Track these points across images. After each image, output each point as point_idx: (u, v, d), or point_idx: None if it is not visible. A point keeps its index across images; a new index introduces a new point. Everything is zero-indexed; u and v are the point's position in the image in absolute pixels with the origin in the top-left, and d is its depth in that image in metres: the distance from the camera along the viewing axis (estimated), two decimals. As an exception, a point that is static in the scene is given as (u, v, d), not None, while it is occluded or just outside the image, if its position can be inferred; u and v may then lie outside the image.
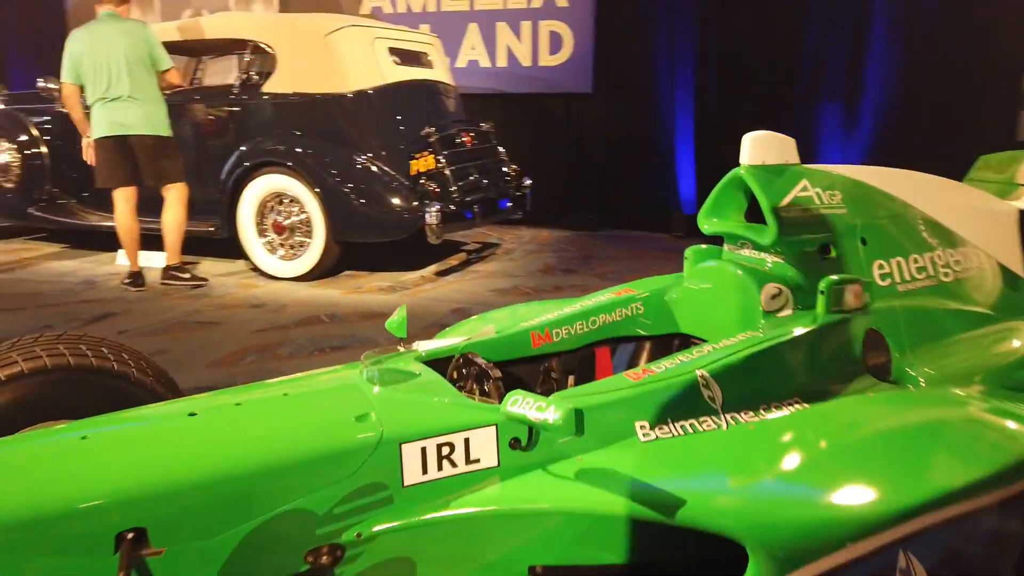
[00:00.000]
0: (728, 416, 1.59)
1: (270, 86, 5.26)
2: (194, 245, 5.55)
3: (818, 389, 1.72)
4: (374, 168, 5.08)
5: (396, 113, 5.25)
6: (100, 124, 4.63)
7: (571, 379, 2.10)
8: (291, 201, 5.15)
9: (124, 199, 4.83)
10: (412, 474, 1.39)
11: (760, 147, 1.93)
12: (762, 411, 1.62)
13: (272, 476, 1.29)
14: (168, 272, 4.98)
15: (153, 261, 5.24)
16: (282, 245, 5.26)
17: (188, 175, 5.50)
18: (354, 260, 5.52)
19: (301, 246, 5.21)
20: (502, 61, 7.73)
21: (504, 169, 6.01)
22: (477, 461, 1.43)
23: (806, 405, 1.67)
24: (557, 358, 2.03)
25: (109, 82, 4.57)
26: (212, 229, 5.42)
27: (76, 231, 6.18)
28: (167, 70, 4.80)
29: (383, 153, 5.12)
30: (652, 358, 2.17)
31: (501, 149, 6.05)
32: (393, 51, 5.54)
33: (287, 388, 1.55)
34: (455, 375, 1.75)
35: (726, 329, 1.95)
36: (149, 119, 4.69)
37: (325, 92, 5.14)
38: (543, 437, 1.48)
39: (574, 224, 7.52)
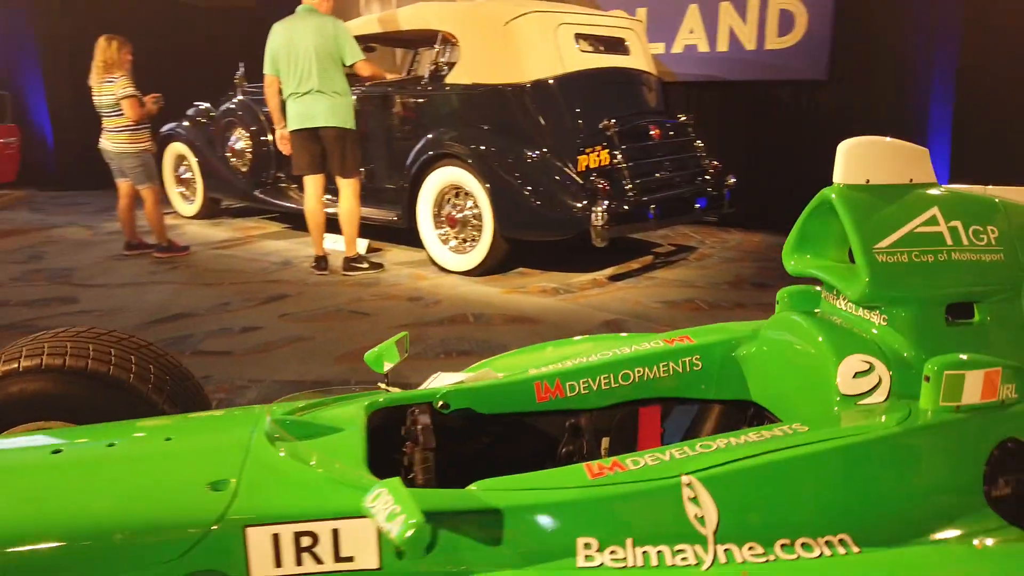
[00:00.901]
0: (722, 549, 1.11)
1: (453, 77, 5.21)
2: (388, 232, 5.73)
3: (890, 525, 1.16)
4: (544, 163, 4.81)
5: (574, 104, 4.93)
6: (291, 118, 4.89)
7: (605, 441, 1.68)
8: (466, 194, 5.06)
9: (312, 185, 5.08)
10: (262, 567, 1.12)
11: (864, 159, 1.37)
12: (780, 550, 1.11)
13: (93, 542, 1.10)
14: (348, 263, 5.16)
15: (356, 246, 5.47)
16: (455, 238, 5.21)
17: (378, 164, 5.71)
18: (532, 257, 5.33)
19: (472, 240, 5.11)
20: (722, 45, 7.02)
21: (701, 165, 5.42)
22: (350, 559, 1.12)
23: (858, 549, 1.12)
24: (588, 414, 1.63)
25: (300, 76, 4.79)
26: (395, 218, 5.53)
27: (295, 213, 6.70)
28: (354, 64, 4.92)
29: (555, 146, 4.83)
30: (719, 430, 1.67)
31: (699, 143, 5.46)
32: (581, 37, 5.21)
33: (174, 431, 1.35)
34: (404, 434, 1.45)
35: (795, 409, 1.42)
36: (334, 112, 4.85)
37: (503, 83, 4.97)
38: (443, 541, 1.13)
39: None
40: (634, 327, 4.13)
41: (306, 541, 1.13)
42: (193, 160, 6.99)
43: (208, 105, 7.10)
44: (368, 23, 5.73)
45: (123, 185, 5.63)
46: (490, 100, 5.05)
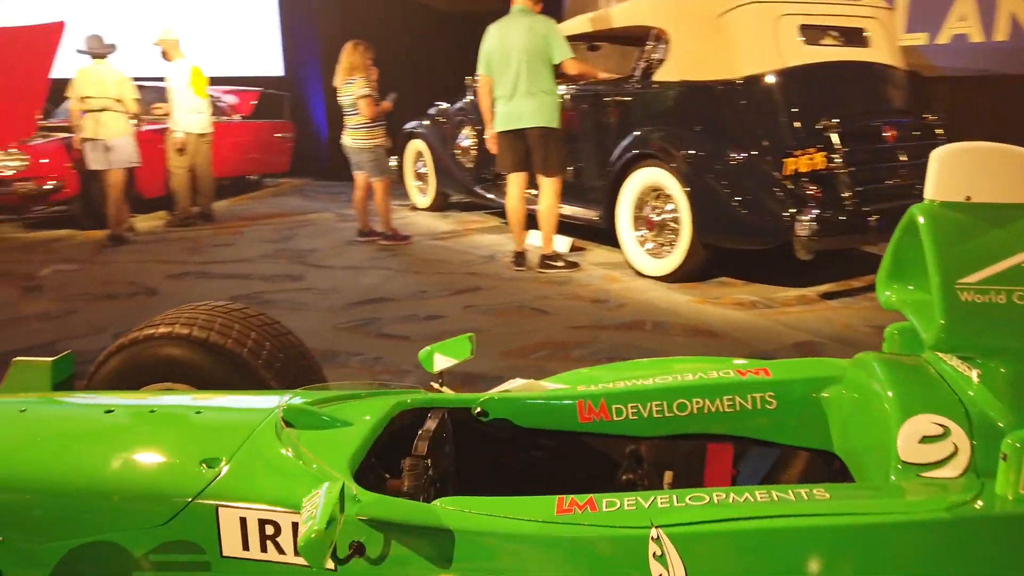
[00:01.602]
0: (686, 623, 0.95)
1: (661, 73, 5.02)
2: (593, 232, 5.71)
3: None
4: (749, 166, 4.46)
5: (791, 102, 4.50)
6: (499, 118, 5.05)
7: (668, 475, 1.53)
8: (666, 197, 4.87)
9: (515, 183, 5.21)
10: (231, 547, 1.17)
11: (965, 170, 1.08)
12: None
13: (96, 499, 1.22)
14: (543, 261, 5.23)
15: (557, 245, 5.56)
16: (652, 241, 5.04)
17: (583, 163, 5.69)
18: (738, 265, 4.99)
19: (670, 244, 4.91)
20: (1001, 34, 6.00)
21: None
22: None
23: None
24: (650, 442, 1.49)
25: (509, 77, 4.92)
26: (597, 218, 5.49)
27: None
28: (562, 62, 4.95)
29: (764, 148, 4.46)
30: (800, 480, 1.44)
31: (948, 147, 4.71)
32: (808, 29, 4.74)
33: (206, 406, 1.45)
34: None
35: (864, 471, 1.18)
36: (540, 111, 4.92)
37: (712, 79, 4.69)
38: (395, 553, 1.10)
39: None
40: (832, 352, 3.69)
41: (269, 530, 1.16)
42: (428, 156, 7.52)
43: (447, 105, 7.59)
44: (582, 22, 5.74)
45: (359, 177, 6.22)
46: (698, 98, 4.80)
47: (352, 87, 5.88)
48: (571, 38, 5.76)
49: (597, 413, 1.47)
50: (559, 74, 5.11)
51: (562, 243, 5.76)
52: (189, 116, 6.73)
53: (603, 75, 5.51)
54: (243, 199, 8.66)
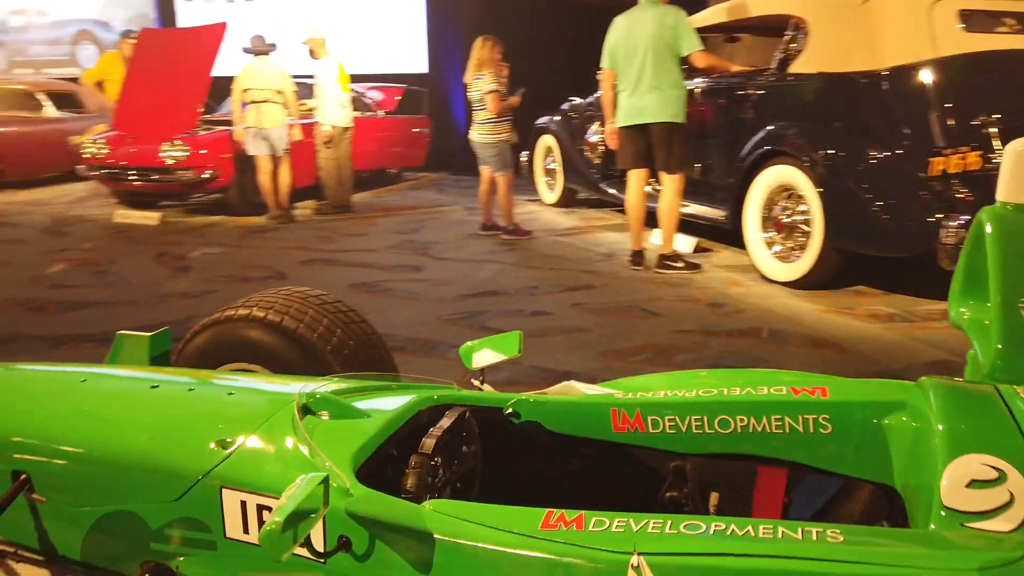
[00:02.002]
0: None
1: (798, 65, 4.69)
2: (721, 233, 5.46)
3: None
4: (890, 165, 4.07)
5: (944, 95, 4.06)
6: (621, 113, 4.92)
7: (714, 496, 1.41)
8: (798, 197, 4.56)
9: (635, 180, 5.07)
10: (234, 527, 1.19)
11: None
12: None
13: (123, 470, 1.28)
14: (662, 261, 5.05)
15: (679, 245, 5.38)
16: (780, 243, 4.73)
17: (710, 160, 5.44)
18: (879, 274, 4.59)
19: (800, 248, 4.59)
20: None
21: None
22: (304, 545, 1.12)
23: None
24: (696, 459, 1.38)
25: (634, 70, 4.78)
26: (723, 217, 5.23)
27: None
28: (691, 54, 4.75)
29: (908, 145, 4.05)
30: (863, 518, 1.28)
31: None
32: (971, 15, 4.26)
33: (239, 388, 1.47)
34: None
35: (915, 511, 1.03)
36: (664, 106, 4.75)
37: (853, 71, 4.32)
38: (378, 552, 1.07)
39: None
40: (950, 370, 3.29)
41: (267, 516, 1.16)
42: (557, 151, 7.49)
43: (579, 100, 7.52)
44: (717, 12, 5.47)
45: (484, 172, 6.29)
46: (836, 91, 4.44)
47: (480, 83, 5.95)
48: (707, 29, 5.53)
49: (632, 423, 1.37)
50: (688, 67, 4.91)
51: (686, 243, 5.54)
52: (336, 111, 7.08)
53: (735, 68, 5.23)
54: (383, 191, 9.02)
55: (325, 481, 1.02)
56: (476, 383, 1.69)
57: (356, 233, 6.55)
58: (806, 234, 4.50)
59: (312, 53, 6.98)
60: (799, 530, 0.88)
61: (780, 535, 0.88)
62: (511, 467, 1.52)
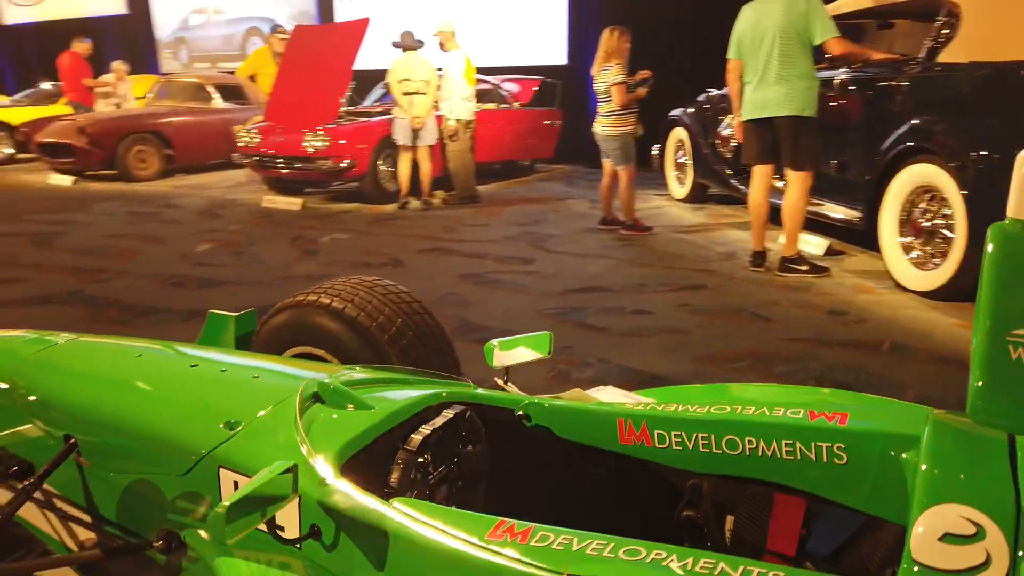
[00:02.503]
0: None
1: (948, 54, 4.24)
2: (858, 235, 5.08)
3: None
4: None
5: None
6: (746, 106, 4.67)
7: (730, 520, 1.33)
8: (941, 199, 4.15)
9: (758, 176, 4.81)
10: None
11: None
12: None
13: (146, 442, 1.37)
14: (784, 263, 4.76)
15: (807, 246, 5.09)
16: (919, 249, 4.33)
17: (845, 156, 5.06)
18: None
19: (941, 255, 4.18)
20: None
21: None
22: (281, 529, 1.17)
23: None
24: (713, 479, 1.31)
25: (759, 60, 4.53)
26: (856, 219, 4.86)
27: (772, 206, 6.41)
28: (825, 42, 4.43)
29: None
30: (879, 563, 1.16)
31: None
32: None
33: (265, 371, 1.53)
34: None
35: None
36: (791, 99, 4.46)
37: (1008, 61, 3.85)
38: (342, 545, 1.09)
39: None
40: None
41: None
42: (688, 145, 7.25)
43: (715, 92, 7.23)
44: (860, -3, 5.05)
45: (607, 165, 6.20)
46: (989, 82, 3.99)
47: (607, 74, 5.86)
48: (853, 15, 5.14)
49: (638, 436, 1.31)
50: (827, 57, 4.58)
51: (817, 245, 5.21)
52: (461, 104, 7.24)
53: (876, 56, 4.82)
54: (513, 183, 9.11)
55: (293, 469, 1.05)
56: (500, 382, 1.67)
57: (478, 223, 6.66)
58: (948, 240, 4.09)
59: (441, 45, 7.16)
60: (740, 568, 0.80)
61: (720, 570, 0.80)
62: (523, 470, 1.50)
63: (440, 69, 7.21)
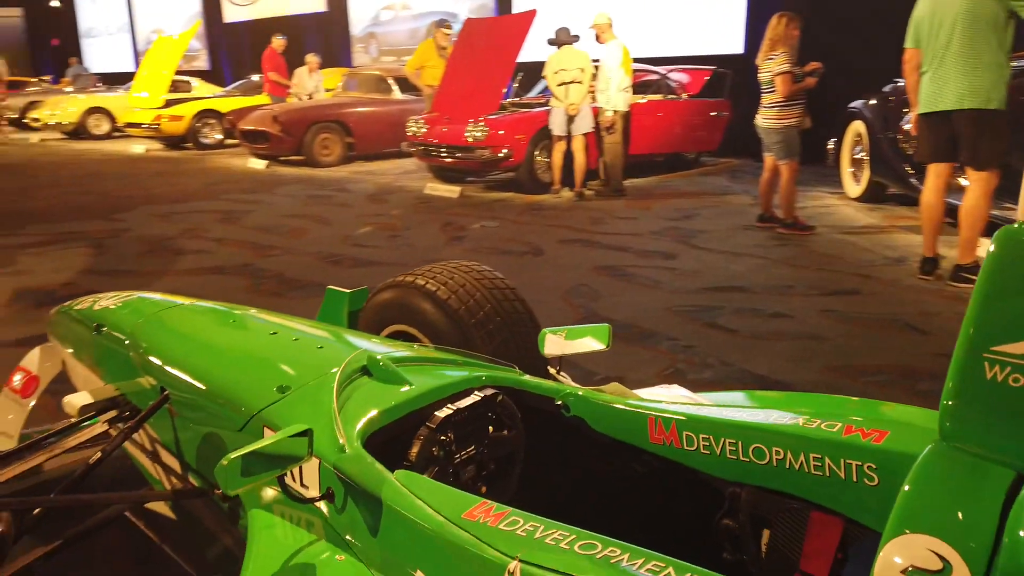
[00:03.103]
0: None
1: None
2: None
3: None
4: None
5: None
6: (922, 98, 4.24)
7: (766, 534, 1.27)
8: None
9: (933, 176, 4.36)
10: None
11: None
12: None
13: (215, 399, 1.50)
14: (957, 271, 4.28)
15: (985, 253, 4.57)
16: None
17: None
18: None
19: None
20: None
21: None
22: (306, 488, 1.25)
23: None
24: (752, 490, 1.25)
25: (937, 48, 4.08)
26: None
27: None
28: None
29: None
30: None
31: None
32: None
33: (332, 342, 1.62)
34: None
35: None
36: (973, 90, 3.98)
37: None
38: (348, 509, 1.15)
39: None
40: None
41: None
42: (866, 139, 6.69)
43: (903, 82, 6.61)
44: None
45: (768, 159, 5.87)
46: None
47: (772, 63, 5.54)
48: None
49: (667, 436, 1.27)
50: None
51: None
52: (618, 95, 7.16)
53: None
54: (673, 176, 8.87)
55: (307, 433, 1.12)
56: (552, 371, 1.66)
57: (627, 216, 6.57)
58: None
59: (598, 37, 7.13)
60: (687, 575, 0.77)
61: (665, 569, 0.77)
62: (560, 460, 1.49)
63: (597, 61, 7.17)
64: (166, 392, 1.62)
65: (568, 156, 7.36)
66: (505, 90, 7.99)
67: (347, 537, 1.15)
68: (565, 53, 7.18)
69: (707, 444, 1.21)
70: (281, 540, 1.19)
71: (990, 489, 0.74)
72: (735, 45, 10.84)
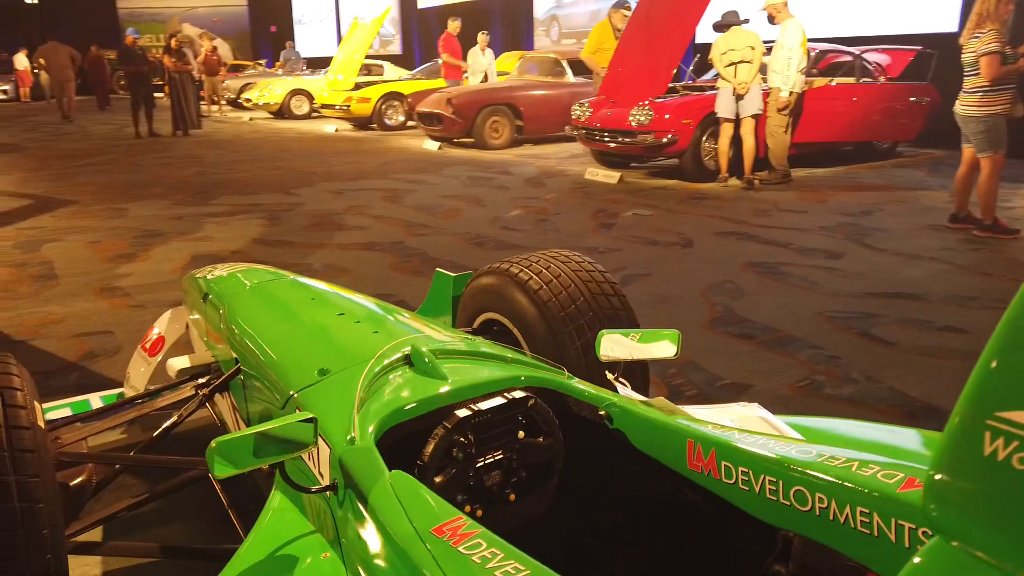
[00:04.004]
0: None
1: None
2: None
3: None
4: None
5: None
6: None
7: None
8: None
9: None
10: None
11: None
12: None
13: (268, 376, 1.52)
14: None
15: None
16: None
17: None
18: None
19: None
20: None
21: None
22: (322, 476, 1.23)
23: None
24: (804, 539, 1.08)
25: None
26: None
27: None
28: None
29: None
30: None
31: None
32: None
33: (391, 327, 1.58)
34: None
35: None
36: None
37: None
38: (347, 502, 1.11)
39: None
40: None
41: (312, 450, 1.27)
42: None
43: None
44: None
45: (966, 151, 5.16)
46: None
47: (977, 42, 4.84)
48: None
49: (706, 464, 1.13)
50: None
51: None
52: (795, 76, 6.62)
53: None
54: (861, 167, 8.08)
55: (311, 421, 1.09)
56: (610, 377, 1.52)
57: (796, 209, 6.06)
58: None
59: (771, 18, 6.66)
60: None
61: None
62: (605, 474, 1.36)
63: (769, 42, 6.68)
64: (238, 364, 1.67)
65: (736, 142, 6.92)
66: (677, 70, 7.64)
67: (342, 533, 1.11)
68: (733, 34, 6.77)
69: (746, 479, 1.06)
70: (283, 527, 1.18)
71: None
72: (948, 22, 9.67)
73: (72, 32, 21.03)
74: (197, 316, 2.19)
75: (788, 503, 1.01)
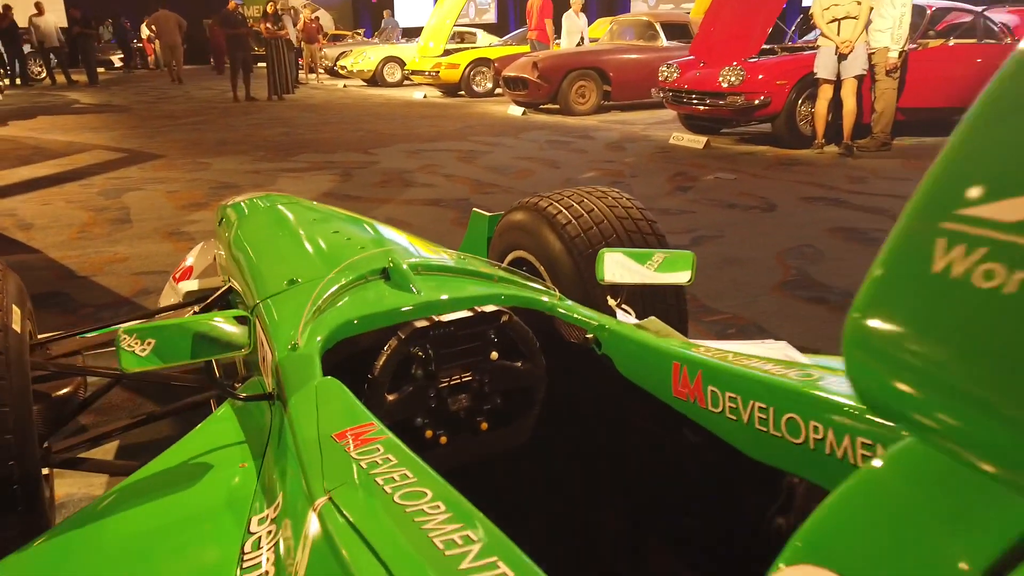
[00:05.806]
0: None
1: None
2: None
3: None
4: None
5: None
6: None
7: None
8: None
9: None
10: None
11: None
12: None
13: (247, 284, 1.42)
14: None
15: None
16: None
17: None
18: None
19: None
20: None
21: None
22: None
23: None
24: (809, 486, 0.89)
25: None
26: None
27: None
28: None
29: None
30: None
31: None
32: None
33: (375, 242, 1.47)
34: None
35: None
36: None
37: None
38: (277, 412, 1.01)
39: None
40: None
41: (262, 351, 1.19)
42: None
43: None
44: None
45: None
46: None
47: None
48: None
49: (691, 389, 0.98)
50: None
51: None
52: (906, 33, 6.06)
53: None
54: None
55: (244, 321, 0.99)
56: (612, 303, 1.33)
57: (896, 177, 5.56)
58: None
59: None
60: None
61: None
62: (595, 405, 1.19)
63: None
64: (230, 282, 1.59)
65: (835, 106, 6.41)
66: (778, 30, 7.15)
67: (271, 444, 0.99)
68: (832, -14, 6.23)
69: (733, 406, 0.88)
70: (213, 435, 1.06)
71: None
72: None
73: (182, 0, 21.96)
74: (217, 243, 2.14)
75: (779, 434, 0.82)
